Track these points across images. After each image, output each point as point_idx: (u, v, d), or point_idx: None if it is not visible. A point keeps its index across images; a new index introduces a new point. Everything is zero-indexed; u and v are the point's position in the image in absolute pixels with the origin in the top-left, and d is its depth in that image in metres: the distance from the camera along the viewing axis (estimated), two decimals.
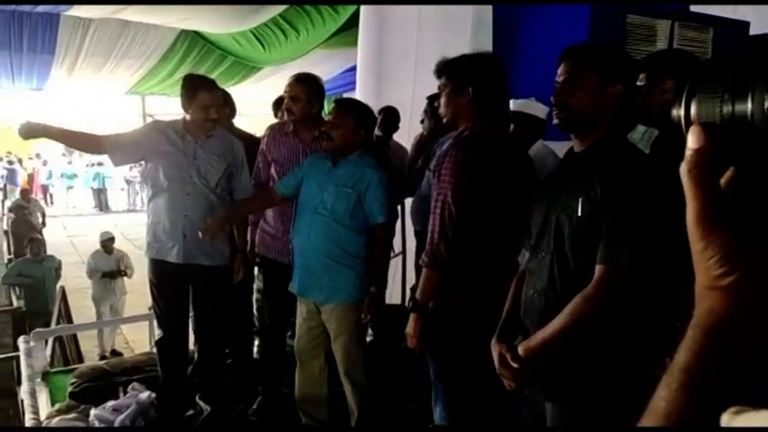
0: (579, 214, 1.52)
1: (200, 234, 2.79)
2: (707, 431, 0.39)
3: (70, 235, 14.43)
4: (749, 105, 0.39)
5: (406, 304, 2.20)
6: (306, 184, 2.73)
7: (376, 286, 2.68)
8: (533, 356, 1.58)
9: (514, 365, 1.61)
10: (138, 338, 7.16)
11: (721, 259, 0.40)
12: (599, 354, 1.53)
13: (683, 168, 0.42)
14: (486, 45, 4.01)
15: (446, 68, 2.18)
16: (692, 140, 0.42)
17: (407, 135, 4.03)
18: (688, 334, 0.42)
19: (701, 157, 0.41)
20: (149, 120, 15.16)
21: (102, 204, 19.13)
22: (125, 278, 7.56)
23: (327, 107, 3.37)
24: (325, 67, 7.62)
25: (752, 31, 4.46)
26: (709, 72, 0.43)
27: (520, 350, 1.61)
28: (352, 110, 2.68)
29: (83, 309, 8.14)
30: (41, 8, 7.26)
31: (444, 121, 2.22)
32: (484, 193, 2.07)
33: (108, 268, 7.41)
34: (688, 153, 0.42)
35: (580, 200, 1.53)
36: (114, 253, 7.61)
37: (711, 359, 0.40)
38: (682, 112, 0.43)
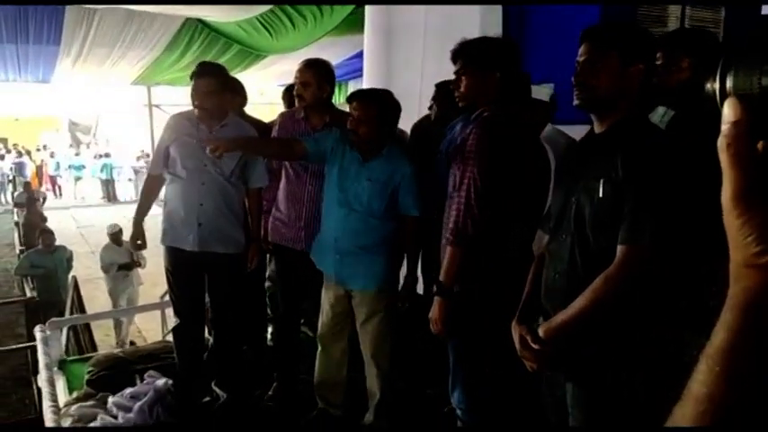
0: (601, 195, 1.51)
1: (207, 150, 2.62)
2: None
3: (79, 226, 14.50)
4: None
5: (433, 290, 2.20)
6: (332, 174, 2.68)
7: (411, 276, 2.72)
8: (554, 337, 1.58)
9: (535, 347, 1.62)
10: (151, 327, 7.23)
11: (759, 237, 0.39)
12: (621, 335, 1.53)
13: (721, 143, 0.40)
14: (497, 30, 3.99)
15: (469, 52, 2.18)
16: (729, 113, 0.40)
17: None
18: (725, 314, 0.41)
19: (740, 130, 0.40)
20: (155, 110, 15.10)
21: (110, 195, 19.20)
22: (139, 269, 7.54)
23: (338, 93, 3.35)
24: (331, 53, 7.58)
25: (764, 10, 4.41)
26: (745, 45, 0.42)
27: (540, 331, 1.61)
28: (375, 102, 2.57)
29: (94, 299, 8.20)
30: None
31: (462, 104, 2.22)
32: (505, 176, 2.10)
33: (123, 260, 7.36)
34: (725, 126, 0.40)
35: (602, 181, 1.51)
36: (125, 244, 7.55)
37: (751, 339, 0.39)
38: (717, 86, 0.42)
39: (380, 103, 2.58)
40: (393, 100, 2.65)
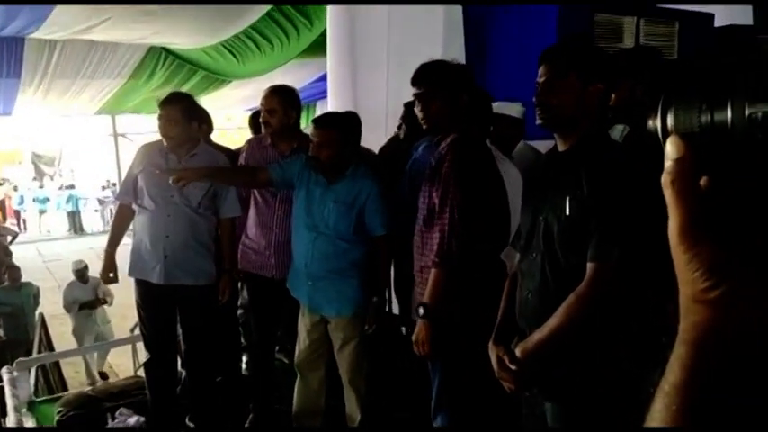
0: (567, 213, 1.53)
1: (170, 181, 2.62)
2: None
3: (45, 260, 14.16)
4: (729, 114, 0.38)
5: (414, 312, 2.19)
6: (300, 199, 2.68)
7: (378, 297, 2.70)
8: (531, 357, 1.58)
9: (513, 368, 1.62)
10: (122, 362, 7.05)
11: (707, 272, 0.39)
12: (591, 353, 1.54)
13: (665, 180, 0.40)
14: (459, 46, 4.03)
15: (435, 75, 2.19)
16: (672, 151, 0.40)
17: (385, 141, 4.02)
18: (677, 350, 0.41)
19: (683, 167, 0.40)
20: (121, 139, 14.93)
21: (76, 227, 18.82)
22: (106, 306, 7.23)
23: (305, 116, 3.35)
24: (295, 76, 7.58)
25: (716, 23, 4.56)
26: (683, 80, 0.42)
27: (517, 352, 1.61)
28: (335, 126, 2.61)
29: (63, 335, 7.97)
30: (7, 30, 7.10)
31: (426, 127, 2.23)
32: (480, 198, 2.13)
33: (86, 298, 7.07)
34: (668, 164, 0.40)
35: (567, 198, 1.54)
36: (90, 281, 7.26)
37: (705, 375, 0.39)
38: (659, 124, 0.42)
39: (339, 126, 2.62)
40: (353, 121, 2.72)
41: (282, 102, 2.88)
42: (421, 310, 2.15)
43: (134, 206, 2.98)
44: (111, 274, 3.04)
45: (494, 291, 1.92)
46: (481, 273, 2.16)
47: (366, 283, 2.68)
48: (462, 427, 2.29)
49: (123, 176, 3.14)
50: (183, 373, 3.31)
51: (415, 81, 2.21)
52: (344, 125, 2.65)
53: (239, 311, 3.56)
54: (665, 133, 0.42)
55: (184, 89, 7.66)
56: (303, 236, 2.66)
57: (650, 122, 0.43)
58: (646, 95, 2.27)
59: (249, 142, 3.17)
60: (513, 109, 3.15)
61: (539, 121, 1.64)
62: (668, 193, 0.40)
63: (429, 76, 2.20)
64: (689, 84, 0.42)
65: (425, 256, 2.22)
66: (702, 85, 0.41)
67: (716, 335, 0.39)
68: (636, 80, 2.26)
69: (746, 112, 0.38)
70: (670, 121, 0.42)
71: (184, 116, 2.88)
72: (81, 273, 7.25)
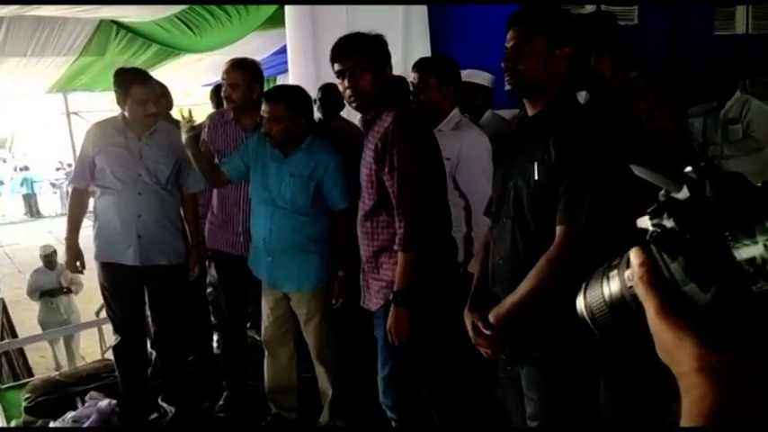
0: (536, 178, 1.54)
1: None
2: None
3: (2, 245, 13.78)
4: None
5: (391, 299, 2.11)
6: (256, 174, 2.65)
7: (344, 270, 2.64)
8: (505, 321, 1.60)
9: (487, 332, 1.63)
10: (89, 345, 6.93)
11: (698, 338, 0.44)
12: (561, 315, 1.56)
13: (635, 280, 0.48)
14: (421, 13, 3.99)
15: (358, 48, 2.07)
16: (635, 259, 0.48)
17: (347, 117, 3.97)
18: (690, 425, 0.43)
19: (646, 267, 0.47)
20: (74, 118, 14.47)
21: (32, 210, 18.30)
22: (72, 295, 6.95)
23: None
24: (253, 48, 7.40)
25: None
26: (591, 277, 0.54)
27: (491, 317, 1.63)
28: (284, 99, 2.54)
29: (25, 320, 7.80)
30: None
31: (357, 104, 2.12)
32: (433, 177, 2.12)
33: (49, 286, 6.81)
34: (635, 269, 0.48)
35: (536, 163, 1.55)
36: (57, 268, 6.94)
37: None
38: (582, 308, 0.54)
39: (287, 99, 2.55)
40: (301, 94, 2.61)
41: (245, 75, 2.82)
42: (392, 298, 2.08)
43: (93, 188, 2.89)
44: (77, 263, 2.94)
45: (451, 268, 1.95)
46: (439, 252, 2.14)
47: (328, 258, 2.64)
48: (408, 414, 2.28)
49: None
50: (154, 354, 3.28)
51: (339, 56, 2.08)
52: (293, 98, 2.56)
53: (208, 290, 3.52)
54: (589, 315, 0.54)
55: (138, 64, 7.40)
56: (261, 211, 2.62)
57: (578, 305, 0.55)
58: (613, 60, 2.28)
59: (211, 117, 3.11)
60: (482, 78, 3.14)
61: (507, 87, 1.63)
62: (640, 289, 0.47)
63: (355, 49, 2.07)
64: (594, 277, 0.54)
65: (376, 241, 2.17)
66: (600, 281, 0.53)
67: (725, 404, 0.42)
68: (594, 46, 2.27)
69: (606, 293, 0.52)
70: (581, 304, 0.54)
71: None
72: (49, 258, 6.98)
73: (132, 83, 2.77)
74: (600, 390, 2.15)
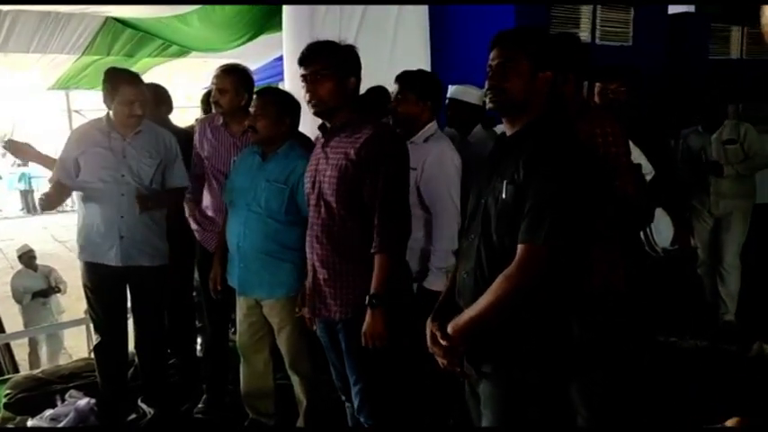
0: (504, 196, 1.57)
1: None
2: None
3: None
4: None
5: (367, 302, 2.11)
6: (235, 179, 2.67)
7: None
8: (461, 334, 1.62)
9: (443, 343, 1.65)
10: (76, 344, 6.92)
11: None
12: (517, 332, 1.59)
13: None
14: (422, 31, 4.04)
15: (321, 55, 2.11)
16: None
17: None
18: None
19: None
20: (75, 115, 14.50)
21: (29, 206, 18.28)
22: (59, 294, 6.88)
23: None
24: (252, 56, 7.43)
25: (670, 11, 4.66)
26: None
27: (449, 328, 1.65)
28: (275, 99, 2.59)
29: (14, 316, 7.78)
30: None
31: (315, 110, 2.14)
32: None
33: (38, 287, 6.73)
34: None
35: (505, 182, 1.58)
36: (40, 269, 6.91)
37: None
38: None
39: (277, 97, 2.60)
40: (293, 101, 2.63)
41: (234, 82, 2.85)
42: (368, 301, 2.08)
43: (74, 190, 2.91)
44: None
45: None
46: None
47: (302, 267, 2.52)
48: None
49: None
50: (135, 355, 3.28)
51: (303, 61, 2.12)
52: (282, 97, 2.62)
53: (194, 293, 3.54)
54: None
55: (141, 63, 7.41)
56: (235, 215, 2.63)
57: None
58: (577, 83, 2.30)
59: (201, 122, 3.14)
60: (473, 95, 3.17)
61: (489, 105, 1.67)
62: None
63: (318, 56, 2.11)
64: None
65: (342, 248, 2.17)
66: None
67: None
68: (558, 68, 2.26)
69: None
70: None
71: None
72: (28, 258, 6.88)
73: (122, 82, 2.81)
74: (574, 404, 2.19)
